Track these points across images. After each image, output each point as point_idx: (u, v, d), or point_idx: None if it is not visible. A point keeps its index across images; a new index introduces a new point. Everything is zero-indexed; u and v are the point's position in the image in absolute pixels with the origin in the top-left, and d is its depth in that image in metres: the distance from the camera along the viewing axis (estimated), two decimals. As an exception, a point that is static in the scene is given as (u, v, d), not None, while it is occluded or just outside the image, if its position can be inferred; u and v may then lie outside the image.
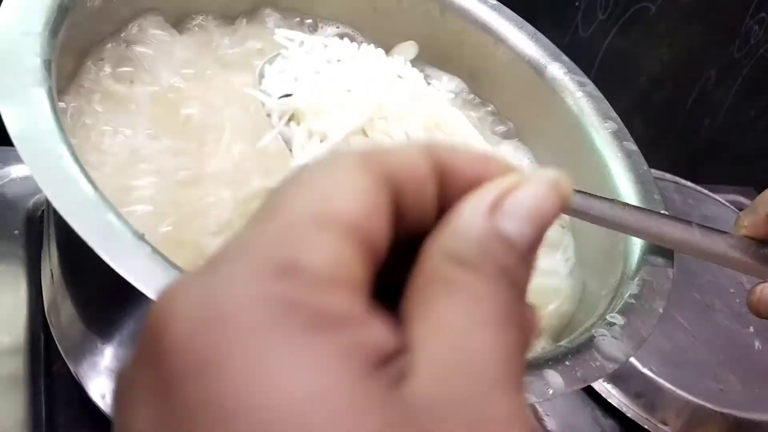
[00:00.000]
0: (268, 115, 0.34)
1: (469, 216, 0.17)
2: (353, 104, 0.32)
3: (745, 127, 1.04)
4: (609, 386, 0.61)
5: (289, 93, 0.33)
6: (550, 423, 0.58)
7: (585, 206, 0.36)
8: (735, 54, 0.95)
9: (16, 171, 0.55)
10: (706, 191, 0.83)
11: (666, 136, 1.00)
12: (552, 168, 0.18)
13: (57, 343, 0.43)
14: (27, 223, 0.53)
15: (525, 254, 0.16)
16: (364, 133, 0.32)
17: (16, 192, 0.54)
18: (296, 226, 0.15)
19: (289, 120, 0.33)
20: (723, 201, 0.83)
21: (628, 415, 0.60)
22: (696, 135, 1.02)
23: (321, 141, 0.32)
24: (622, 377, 0.61)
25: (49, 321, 0.45)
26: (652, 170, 0.48)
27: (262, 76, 0.35)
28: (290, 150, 0.33)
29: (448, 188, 0.17)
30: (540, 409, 0.59)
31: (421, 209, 0.17)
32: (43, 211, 0.53)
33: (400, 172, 0.17)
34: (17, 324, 0.47)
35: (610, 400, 0.61)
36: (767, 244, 0.41)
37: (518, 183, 0.17)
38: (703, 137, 1.03)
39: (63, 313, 0.43)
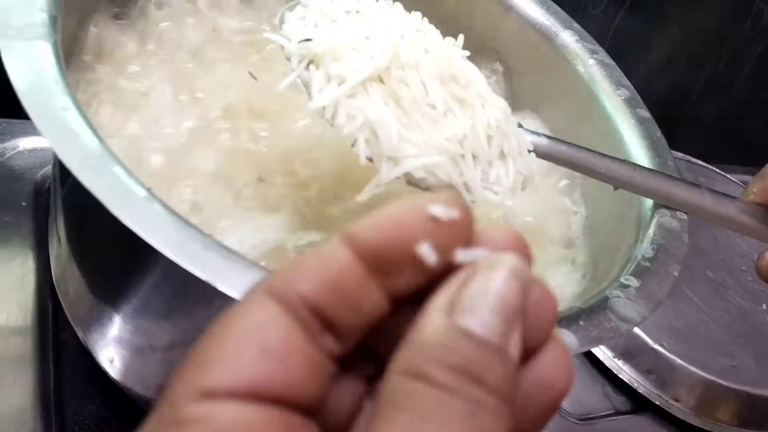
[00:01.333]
0: (288, 59, 0.34)
1: (426, 324, 0.16)
2: (371, 50, 0.32)
3: (757, 108, 1.03)
4: (620, 362, 0.61)
5: (308, 38, 0.33)
6: (560, 399, 0.58)
7: (595, 165, 0.36)
8: (747, 33, 0.94)
9: (23, 143, 0.55)
10: (717, 170, 0.82)
11: (677, 116, 0.99)
12: (508, 253, 0.17)
13: (66, 311, 0.43)
14: (35, 195, 0.53)
15: (496, 347, 0.16)
16: (381, 80, 0.32)
17: (23, 164, 0.54)
18: (176, 408, 0.15)
19: (309, 64, 0.33)
20: (735, 180, 0.82)
21: (640, 391, 0.59)
22: (707, 115, 1.01)
23: (339, 84, 0.32)
24: (633, 353, 0.60)
25: (57, 290, 0.44)
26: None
27: (282, 21, 0.35)
28: (309, 94, 0.33)
29: (387, 263, 0.17)
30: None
31: (360, 301, 0.17)
32: (50, 183, 0.53)
33: (314, 285, 0.17)
34: (26, 294, 0.47)
35: (621, 376, 0.60)
36: None
37: (474, 273, 0.17)
38: (714, 117, 1.02)
39: (71, 281, 0.42)
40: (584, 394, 0.59)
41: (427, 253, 0.17)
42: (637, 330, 0.59)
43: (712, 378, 0.59)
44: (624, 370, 0.60)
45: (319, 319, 0.17)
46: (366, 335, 0.17)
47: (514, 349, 0.16)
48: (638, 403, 0.60)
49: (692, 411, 0.59)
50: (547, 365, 0.18)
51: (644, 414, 0.60)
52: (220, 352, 0.16)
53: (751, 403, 0.60)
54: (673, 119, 0.99)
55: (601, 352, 0.61)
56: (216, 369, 0.16)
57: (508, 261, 0.17)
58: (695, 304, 0.65)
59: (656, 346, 0.60)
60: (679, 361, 0.59)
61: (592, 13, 0.83)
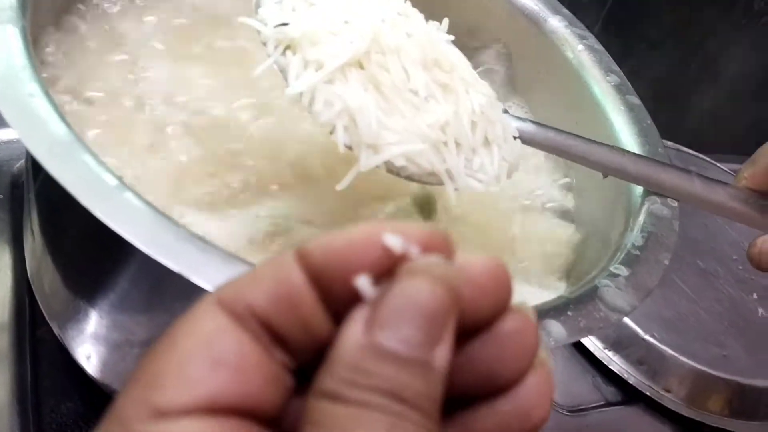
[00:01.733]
0: (264, 44, 0.32)
1: (343, 342, 0.15)
2: (350, 35, 0.31)
3: (749, 96, 1.02)
4: (610, 353, 0.60)
5: (285, 22, 0.32)
6: (550, 390, 0.57)
7: (583, 151, 0.35)
8: (739, 21, 0.94)
9: (0, 135, 0.54)
10: (707, 159, 0.82)
11: (667, 105, 0.98)
12: (435, 257, 0.16)
13: (41, 307, 0.42)
14: (11, 188, 0.51)
15: (417, 362, 0.15)
16: (360, 65, 0.31)
17: (0, 157, 0.53)
18: (128, 429, 0.15)
19: (285, 49, 0.32)
20: (725, 169, 0.82)
21: (630, 382, 0.59)
22: (698, 104, 1.01)
23: (316, 70, 0.31)
24: (624, 344, 0.60)
25: (32, 285, 0.43)
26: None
27: (258, 5, 0.34)
28: (285, 79, 0.32)
29: (333, 286, 0.16)
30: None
31: (309, 321, 0.16)
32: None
33: (264, 298, 0.16)
34: (2, 290, 0.46)
35: (611, 367, 0.59)
36: (767, 196, 0.40)
37: (393, 282, 0.15)
38: (705, 106, 1.01)
39: (46, 276, 0.41)
40: (574, 386, 0.59)
41: (364, 286, 0.16)
42: (627, 320, 0.59)
43: (703, 368, 0.59)
44: (614, 361, 0.60)
45: (269, 332, 0.16)
46: (322, 351, 0.16)
47: (441, 358, 0.15)
48: (629, 394, 0.59)
49: (683, 401, 0.59)
50: (527, 395, 0.17)
51: (635, 405, 0.59)
52: (169, 366, 0.15)
53: (741, 392, 0.60)
54: (664, 107, 0.98)
55: (591, 343, 0.60)
56: (167, 385, 0.15)
57: (430, 267, 0.16)
58: (685, 294, 0.64)
59: (647, 337, 0.59)
60: (669, 351, 0.59)
61: (582, 1, 0.82)
